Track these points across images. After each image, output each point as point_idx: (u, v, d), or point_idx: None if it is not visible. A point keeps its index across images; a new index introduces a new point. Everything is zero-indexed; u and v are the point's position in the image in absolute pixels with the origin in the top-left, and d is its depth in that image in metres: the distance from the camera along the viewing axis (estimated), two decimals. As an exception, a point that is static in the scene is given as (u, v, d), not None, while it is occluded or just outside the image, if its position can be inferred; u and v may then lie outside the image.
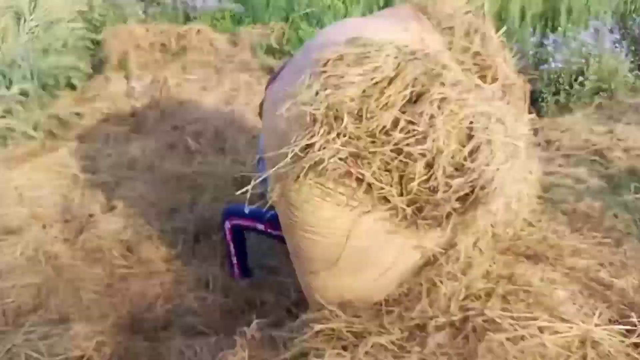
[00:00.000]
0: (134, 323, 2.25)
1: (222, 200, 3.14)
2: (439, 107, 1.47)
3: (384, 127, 1.46)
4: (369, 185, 1.51)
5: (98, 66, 5.35)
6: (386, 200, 1.55)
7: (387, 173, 1.51)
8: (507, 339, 1.72)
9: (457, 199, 1.52)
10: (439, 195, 1.49)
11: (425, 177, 1.49)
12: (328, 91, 1.43)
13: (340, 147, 1.44)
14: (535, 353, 1.68)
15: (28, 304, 2.18)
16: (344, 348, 1.74)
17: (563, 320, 1.80)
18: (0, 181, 3.03)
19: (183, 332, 2.16)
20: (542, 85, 3.99)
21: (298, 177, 1.51)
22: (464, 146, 1.50)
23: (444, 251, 1.81)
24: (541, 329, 1.75)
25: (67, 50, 5.29)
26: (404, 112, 1.48)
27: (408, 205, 1.54)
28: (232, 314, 2.33)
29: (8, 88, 4.26)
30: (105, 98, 4.64)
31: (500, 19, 4.88)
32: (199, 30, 5.51)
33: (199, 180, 3.33)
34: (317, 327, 1.78)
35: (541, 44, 4.35)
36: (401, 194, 1.53)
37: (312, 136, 1.44)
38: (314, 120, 1.44)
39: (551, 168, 2.80)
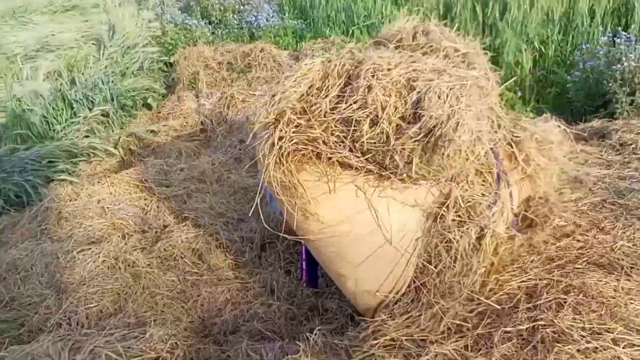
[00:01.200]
0: (204, 327, 2.36)
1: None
2: (372, 76, 1.75)
3: (328, 110, 1.78)
4: (330, 160, 1.80)
5: (171, 86, 5.67)
6: (351, 167, 1.81)
7: (341, 143, 1.79)
8: (578, 350, 1.66)
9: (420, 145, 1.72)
10: (392, 143, 1.71)
11: (373, 133, 1.73)
12: (274, 103, 1.82)
13: (292, 135, 1.76)
14: (608, 365, 1.60)
15: (109, 308, 2.34)
16: (407, 357, 1.74)
17: (639, 332, 1.71)
18: (84, 195, 3.27)
19: (250, 337, 2.23)
20: (616, 86, 3.79)
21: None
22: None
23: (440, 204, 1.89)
24: (615, 341, 1.67)
25: (143, 73, 5.65)
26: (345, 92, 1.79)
27: (369, 162, 1.78)
28: (296, 320, 2.38)
29: (91, 110, 4.61)
30: (177, 116, 4.90)
31: (569, 20, 4.70)
32: (262, 48, 5.70)
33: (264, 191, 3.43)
34: (378, 339, 1.80)
35: (613, 43, 4.13)
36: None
37: (268, 137, 1.80)
38: (266, 127, 1.83)
39: (626, 172, 2.65)
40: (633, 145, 3.00)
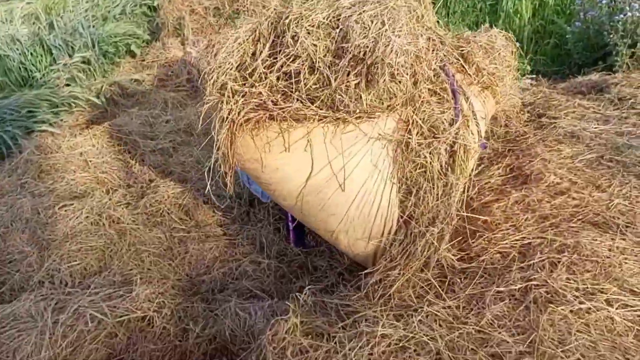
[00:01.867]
0: (192, 285, 2.32)
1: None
2: (296, 25, 1.78)
3: (267, 70, 1.79)
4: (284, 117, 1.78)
5: (155, 32, 5.42)
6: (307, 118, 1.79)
7: (289, 98, 1.78)
8: (572, 311, 1.64)
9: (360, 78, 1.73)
10: (334, 84, 1.72)
11: (315, 79, 1.75)
12: (213, 80, 1.83)
13: (241, 105, 1.75)
14: (602, 327, 1.59)
15: (93, 266, 2.29)
16: (397, 318, 1.72)
17: (633, 293, 1.68)
18: (66, 147, 3.16)
19: (238, 295, 2.20)
20: (617, 37, 3.66)
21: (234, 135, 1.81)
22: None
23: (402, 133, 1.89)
24: (609, 302, 1.65)
25: (126, 17, 5.39)
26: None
27: (321, 109, 1.77)
28: (286, 278, 2.35)
29: (71, 56, 4.41)
30: (162, 64, 4.71)
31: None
32: (251, -7, 5.43)
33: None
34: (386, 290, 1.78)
35: (617, -9, 3.96)
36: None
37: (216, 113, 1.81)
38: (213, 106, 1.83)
39: (624, 128, 2.59)
40: (632, 100, 2.91)
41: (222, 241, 2.62)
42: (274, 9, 1.92)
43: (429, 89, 1.91)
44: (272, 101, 1.77)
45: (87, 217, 2.47)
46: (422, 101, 1.87)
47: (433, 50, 1.94)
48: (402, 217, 1.89)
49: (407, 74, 1.76)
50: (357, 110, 1.76)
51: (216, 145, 1.84)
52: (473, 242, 2.02)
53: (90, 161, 3.08)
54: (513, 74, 2.44)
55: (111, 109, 4.02)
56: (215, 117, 1.84)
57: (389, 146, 1.87)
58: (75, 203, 2.56)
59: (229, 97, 1.78)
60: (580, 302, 1.66)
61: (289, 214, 2.50)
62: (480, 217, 2.09)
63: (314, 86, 1.76)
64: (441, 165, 1.84)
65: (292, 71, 1.77)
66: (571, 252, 1.85)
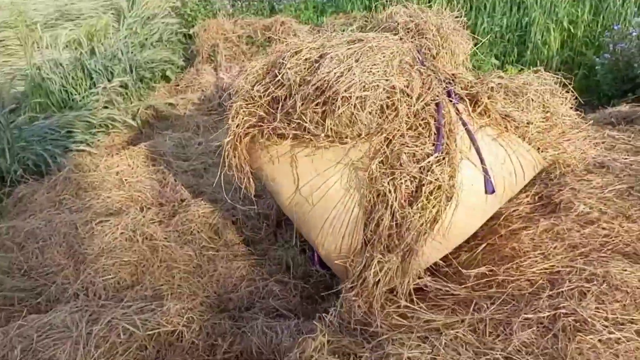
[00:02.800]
0: (220, 302, 2.36)
1: (304, 188, 3.20)
2: (283, 58, 2.10)
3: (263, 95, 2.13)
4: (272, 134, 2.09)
5: (190, 59, 5.63)
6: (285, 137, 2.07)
7: (272, 117, 2.08)
8: (600, 341, 1.62)
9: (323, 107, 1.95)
10: (298, 109, 1.96)
11: (291, 103, 2.01)
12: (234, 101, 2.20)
13: (245, 120, 2.13)
14: (631, 358, 1.57)
15: (126, 280, 2.35)
16: (423, 340, 1.72)
17: (665, 324, 1.66)
18: (103, 167, 3.28)
19: (265, 314, 2.23)
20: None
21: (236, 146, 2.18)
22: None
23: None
24: (639, 333, 1.63)
25: (162, 44, 5.61)
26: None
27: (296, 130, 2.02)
28: (312, 299, 2.37)
29: (110, 80, 4.60)
30: (196, 89, 4.88)
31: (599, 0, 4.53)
32: (282, 22, 5.61)
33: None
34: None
35: (648, 24, 3.98)
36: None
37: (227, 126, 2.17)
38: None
39: (656, 159, 2.57)
40: (662, 129, 2.90)
41: (250, 260, 2.67)
42: (286, 44, 2.22)
43: (412, 123, 2.00)
44: (264, 119, 2.09)
45: (122, 233, 2.55)
46: (397, 134, 1.97)
47: (428, 87, 2.05)
48: (364, 240, 1.99)
49: (373, 107, 1.91)
50: (322, 135, 1.96)
51: (224, 154, 2.20)
52: (500, 269, 2.02)
53: (126, 180, 3.19)
54: (557, 122, 2.23)
55: (146, 131, 4.17)
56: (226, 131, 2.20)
57: (359, 172, 2.01)
58: (111, 219, 2.65)
59: (236, 112, 2.15)
60: (610, 332, 1.64)
61: None
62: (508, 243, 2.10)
63: (291, 110, 2.01)
64: (402, 197, 1.89)
65: (279, 97, 2.07)
66: (600, 281, 1.84)
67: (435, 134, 1.97)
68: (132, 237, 2.54)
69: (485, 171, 1.99)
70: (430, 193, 1.86)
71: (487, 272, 2.07)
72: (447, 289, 1.99)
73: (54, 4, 7.33)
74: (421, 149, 1.93)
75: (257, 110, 2.13)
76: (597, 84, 4.19)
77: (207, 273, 2.51)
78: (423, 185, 1.86)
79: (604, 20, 4.50)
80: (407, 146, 1.94)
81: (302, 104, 1.96)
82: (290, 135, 2.05)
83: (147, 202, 3.06)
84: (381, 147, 1.99)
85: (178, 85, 5.05)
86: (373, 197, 1.95)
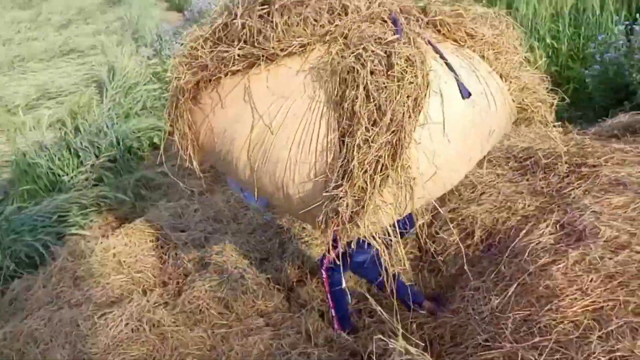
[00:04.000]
0: (241, 387, 2.19)
1: (312, 244, 3.06)
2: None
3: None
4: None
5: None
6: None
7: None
8: (668, 385, 1.47)
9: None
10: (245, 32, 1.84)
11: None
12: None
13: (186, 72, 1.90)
14: None
15: (137, 376, 2.18)
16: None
17: None
18: (99, 250, 3.13)
19: (292, 395, 2.05)
20: (638, 76, 3.62)
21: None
22: None
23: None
24: None
25: (147, 112, 5.56)
26: None
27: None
28: (339, 368, 2.20)
29: (97, 157, 4.50)
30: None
31: (578, 11, 4.54)
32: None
33: (285, 225, 3.28)
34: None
35: (631, 31, 3.96)
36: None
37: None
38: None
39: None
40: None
41: (266, 333, 2.50)
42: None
43: (367, 18, 1.88)
44: (207, 67, 1.88)
45: (127, 324, 2.39)
46: (353, 27, 1.84)
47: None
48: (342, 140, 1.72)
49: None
50: (276, 47, 1.81)
51: (168, 120, 2.01)
52: (540, 313, 1.88)
53: (124, 261, 3.04)
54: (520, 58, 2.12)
55: (140, 204, 4.04)
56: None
57: (322, 73, 1.81)
58: (114, 309, 2.49)
59: (175, 68, 1.95)
60: (676, 373, 1.49)
61: (329, 300, 2.38)
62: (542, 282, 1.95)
63: (239, 35, 1.85)
64: (372, 72, 1.68)
65: (223, 40, 1.90)
66: (651, 314, 1.70)
67: (392, 24, 1.84)
68: (138, 327, 2.38)
69: (456, 77, 1.81)
70: (404, 70, 1.65)
71: (525, 317, 1.92)
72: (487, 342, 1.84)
73: (34, 83, 7.32)
74: (382, 33, 1.78)
75: (200, 58, 1.90)
76: (589, 96, 4.15)
77: (223, 355, 2.34)
78: (393, 64, 1.66)
79: (585, 32, 4.50)
80: (366, 32, 1.80)
81: (250, 22, 1.82)
82: (240, 66, 1.86)
83: (150, 283, 2.90)
84: (339, 40, 1.84)
85: (167, 152, 4.94)
86: (340, 85, 1.74)
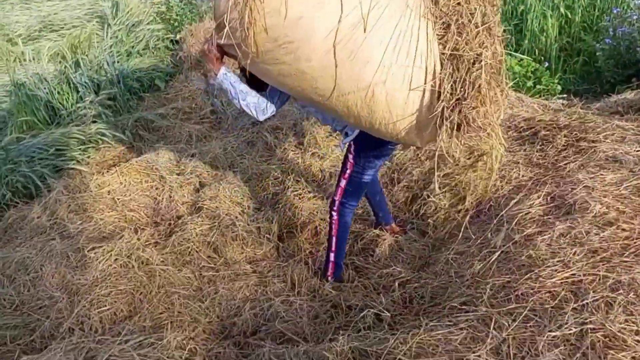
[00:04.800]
0: (223, 328, 2.25)
1: (305, 197, 3.08)
2: None
3: None
4: None
5: (178, 65, 5.48)
6: None
7: None
8: (634, 358, 1.52)
9: None
10: None
11: None
12: None
13: None
14: (670, 376, 1.46)
15: (123, 310, 2.23)
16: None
17: (702, 336, 1.55)
18: (94, 186, 3.15)
19: (271, 339, 2.12)
20: (652, 53, 3.54)
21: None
22: None
23: None
24: (675, 347, 1.52)
25: (149, 52, 5.47)
26: None
27: None
28: (320, 319, 2.26)
29: (97, 93, 4.46)
30: (186, 97, 4.73)
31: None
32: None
33: (280, 176, 3.29)
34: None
35: (648, 6, 3.85)
36: None
37: None
38: None
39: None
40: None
41: (252, 279, 2.55)
42: None
43: None
44: None
45: (116, 259, 2.43)
46: None
47: None
48: (443, 53, 1.78)
49: None
50: None
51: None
52: (518, 280, 1.91)
53: (118, 199, 3.07)
54: None
55: (137, 144, 4.03)
56: None
57: None
58: (105, 245, 2.53)
59: None
60: (643, 347, 1.53)
61: (333, 242, 2.42)
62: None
63: None
64: None
65: None
66: (627, 290, 1.73)
67: None
68: (127, 263, 2.42)
69: None
70: None
71: (504, 284, 1.96)
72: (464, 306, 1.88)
73: (37, 14, 7.16)
74: None
75: None
76: (599, 70, 4.07)
77: (208, 296, 2.39)
78: None
79: (601, 4, 4.38)
80: None
81: None
82: None
83: (142, 222, 2.94)
84: None
85: (168, 94, 4.90)
86: (445, 4, 1.77)
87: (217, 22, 1.87)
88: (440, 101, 1.80)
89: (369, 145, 2.20)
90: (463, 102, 1.77)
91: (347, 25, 1.73)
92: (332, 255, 2.45)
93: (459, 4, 1.80)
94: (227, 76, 2.04)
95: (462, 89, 1.77)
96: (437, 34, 1.80)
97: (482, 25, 1.79)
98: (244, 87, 2.07)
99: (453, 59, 1.78)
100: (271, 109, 2.12)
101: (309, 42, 1.74)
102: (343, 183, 2.33)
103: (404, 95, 1.81)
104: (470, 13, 1.80)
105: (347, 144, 2.25)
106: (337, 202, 2.37)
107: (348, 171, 2.30)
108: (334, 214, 2.39)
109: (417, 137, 1.94)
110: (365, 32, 1.73)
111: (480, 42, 1.78)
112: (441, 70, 1.80)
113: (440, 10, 1.79)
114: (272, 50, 1.79)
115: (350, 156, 2.27)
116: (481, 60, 1.75)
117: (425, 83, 1.81)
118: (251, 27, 1.74)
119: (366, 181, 2.32)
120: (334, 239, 2.43)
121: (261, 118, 2.12)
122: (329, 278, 2.49)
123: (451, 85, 1.78)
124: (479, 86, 1.77)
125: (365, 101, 1.83)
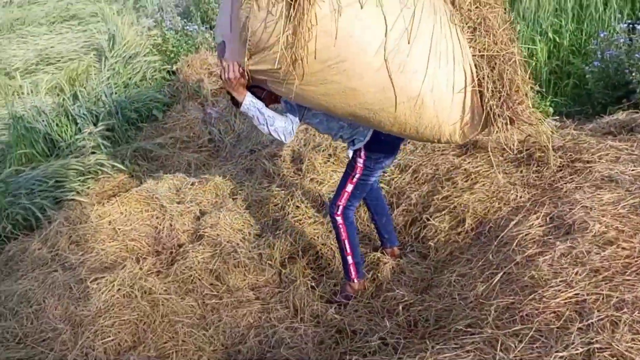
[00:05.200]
0: (228, 356, 2.24)
1: (305, 222, 3.10)
2: None
3: None
4: None
5: (175, 95, 5.54)
6: None
7: None
8: (641, 376, 1.53)
9: None
10: None
11: None
12: None
13: None
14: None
15: (127, 341, 2.22)
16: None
17: None
18: (94, 217, 3.16)
19: (278, 367, 2.11)
20: (638, 75, 3.62)
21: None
22: None
23: None
24: (682, 364, 1.54)
25: (146, 83, 5.53)
26: None
27: None
28: (325, 344, 2.26)
29: (95, 125, 4.49)
30: (184, 126, 4.78)
31: (581, 7, 4.53)
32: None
33: (280, 203, 3.31)
34: None
35: (633, 30, 3.96)
36: None
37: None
38: None
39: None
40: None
41: (255, 306, 2.55)
42: None
43: None
44: None
45: (118, 289, 2.43)
46: None
47: None
48: (475, 55, 1.89)
49: None
50: None
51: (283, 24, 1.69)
52: (523, 302, 1.92)
53: (119, 229, 3.07)
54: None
55: (137, 174, 4.05)
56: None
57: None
58: (107, 275, 2.52)
59: None
60: (650, 365, 1.54)
61: (347, 244, 2.46)
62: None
63: None
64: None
65: None
66: (631, 308, 1.75)
67: None
68: (130, 293, 2.42)
69: None
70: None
71: (508, 305, 1.97)
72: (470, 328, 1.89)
73: (34, 48, 7.26)
74: None
75: None
76: (589, 92, 4.16)
77: (212, 324, 2.39)
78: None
79: (587, 28, 4.50)
80: None
81: None
82: None
83: (143, 251, 2.94)
84: None
85: (165, 124, 4.95)
86: (469, 9, 1.89)
87: (252, 48, 1.83)
88: (487, 100, 1.90)
89: (381, 147, 2.27)
90: (509, 99, 1.88)
91: (393, 38, 1.80)
92: (349, 257, 2.48)
93: (477, 7, 1.91)
94: (253, 102, 2.05)
95: (502, 87, 1.89)
96: (466, 38, 1.92)
97: (504, 24, 1.92)
98: (271, 112, 2.09)
99: (487, 60, 1.90)
100: (295, 130, 2.17)
101: (361, 59, 1.79)
102: (350, 187, 2.38)
103: (449, 99, 1.91)
104: (491, 15, 1.92)
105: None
106: (341, 207, 2.41)
107: (357, 175, 2.35)
108: (338, 218, 2.42)
109: (460, 136, 2.03)
110: (409, 42, 1.81)
111: (506, 41, 1.91)
112: (478, 71, 1.91)
113: (467, 13, 1.91)
114: (321, 71, 1.81)
115: (360, 160, 2.32)
116: (512, 58, 1.87)
117: (465, 86, 1.91)
118: (303, 51, 1.74)
119: (371, 182, 2.41)
120: (346, 242, 2.46)
121: (287, 141, 2.16)
122: (355, 280, 2.50)
123: (493, 84, 1.90)
124: (517, 82, 1.88)
125: (415, 109, 1.90)
